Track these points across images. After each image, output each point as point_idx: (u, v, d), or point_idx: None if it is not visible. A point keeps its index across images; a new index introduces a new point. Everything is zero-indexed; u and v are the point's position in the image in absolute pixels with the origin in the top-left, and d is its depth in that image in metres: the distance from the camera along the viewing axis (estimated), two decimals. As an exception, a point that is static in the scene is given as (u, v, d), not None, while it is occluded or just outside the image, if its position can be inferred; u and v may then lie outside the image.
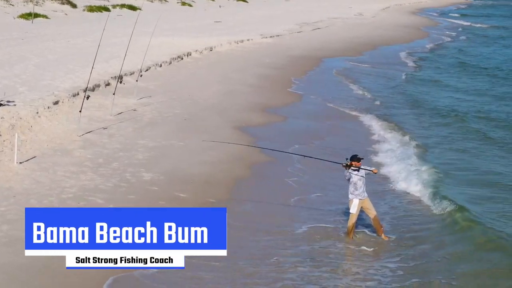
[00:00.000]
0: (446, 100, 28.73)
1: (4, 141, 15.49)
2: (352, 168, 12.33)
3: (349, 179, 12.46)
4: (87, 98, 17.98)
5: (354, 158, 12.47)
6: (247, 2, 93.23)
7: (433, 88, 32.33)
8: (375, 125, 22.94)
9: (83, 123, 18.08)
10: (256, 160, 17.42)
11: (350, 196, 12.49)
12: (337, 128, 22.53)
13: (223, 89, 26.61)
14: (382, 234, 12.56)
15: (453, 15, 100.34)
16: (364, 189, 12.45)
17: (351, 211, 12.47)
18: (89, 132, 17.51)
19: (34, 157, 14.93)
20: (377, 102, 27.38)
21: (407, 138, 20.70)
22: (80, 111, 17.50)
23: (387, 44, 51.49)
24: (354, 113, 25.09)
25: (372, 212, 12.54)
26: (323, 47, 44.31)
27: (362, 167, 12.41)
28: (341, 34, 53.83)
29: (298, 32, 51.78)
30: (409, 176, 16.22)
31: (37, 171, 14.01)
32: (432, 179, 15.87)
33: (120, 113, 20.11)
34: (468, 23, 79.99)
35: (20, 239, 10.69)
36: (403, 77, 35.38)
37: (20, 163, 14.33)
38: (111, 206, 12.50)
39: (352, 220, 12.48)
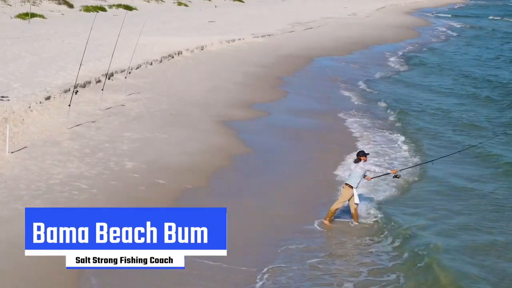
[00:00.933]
0: (423, 100, 29.77)
1: (-3, 133, 16.56)
2: (363, 161, 13.37)
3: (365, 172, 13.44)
4: (76, 93, 19.05)
5: (363, 153, 13.56)
6: (243, 2, 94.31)
7: (412, 88, 33.34)
8: (354, 123, 23.95)
9: (73, 117, 19.15)
10: (235, 152, 18.48)
11: (355, 185, 13.40)
12: (318, 125, 23.53)
13: (211, 86, 27.69)
14: (357, 220, 13.63)
15: (446, 15, 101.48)
16: None
17: (356, 201, 13.42)
18: (78, 125, 18.59)
19: (25, 147, 16.00)
20: (359, 101, 28.41)
21: (381, 137, 21.75)
22: (69, 105, 18.59)
23: (377, 43, 52.57)
24: (336, 110, 26.13)
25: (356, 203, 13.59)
26: (313, 47, 45.38)
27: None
28: (332, 34, 54.90)
29: (289, 32, 52.85)
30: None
31: (27, 159, 15.09)
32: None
33: (109, 108, 21.17)
34: (459, 24, 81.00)
35: (8, 219, 11.84)
36: (387, 75, 36.53)
37: (12, 152, 15.40)
38: (94, 190, 13.60)
39: (341, 204, 13.54)
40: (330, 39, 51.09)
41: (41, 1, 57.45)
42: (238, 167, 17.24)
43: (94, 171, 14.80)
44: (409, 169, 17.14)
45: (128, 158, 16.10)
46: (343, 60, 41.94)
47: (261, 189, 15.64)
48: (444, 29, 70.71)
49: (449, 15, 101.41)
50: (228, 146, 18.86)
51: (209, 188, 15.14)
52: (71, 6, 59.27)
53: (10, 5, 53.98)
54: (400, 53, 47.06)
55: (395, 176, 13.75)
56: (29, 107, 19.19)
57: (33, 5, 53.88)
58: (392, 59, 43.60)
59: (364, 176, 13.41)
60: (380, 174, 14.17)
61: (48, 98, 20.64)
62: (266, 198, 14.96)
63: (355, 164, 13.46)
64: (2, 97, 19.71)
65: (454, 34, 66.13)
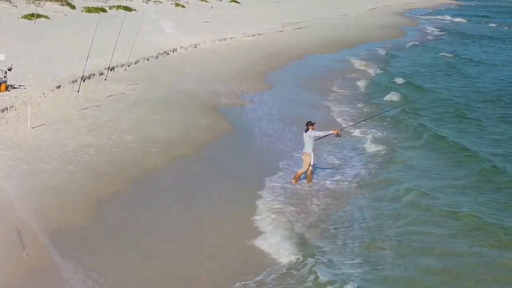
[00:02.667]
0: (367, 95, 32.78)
1: (18, 113, 19.90)
2: (311, 130, 16.63)
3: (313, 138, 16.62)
4: (84, 80, 22.32)
5: (310, 123, 16.84)
6: (239, 3, 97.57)
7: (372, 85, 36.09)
8: (326, 110, 27.25)
9: (81, 103, 22.43)
10: (222, 130, 21.76)
11: (311, 150, 16.61)
12: (296, 111, 26.77)
13: (202, 78, 30.98)
14: (311, 181, 16.89)
15: (437, 17, 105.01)
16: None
17: (311, 163, 16.64)
18: (85, 108, 21.88)
19: (43, 124, 19.30)
20: (331, 94, 31.72)
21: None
22: (78, 91, 21.89)
23: (364, 42, 55.90)
24: (312, 100, 29.43)
25: (311, 165, 16.81)
26: (299, 45, 48.66)
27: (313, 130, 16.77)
28: (319, 33, 58.26)
29: (279, 31, 56.18)
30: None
31: (45, 133, 18.39)
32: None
33: (111, 95, 24.45)
34: (434, 27, 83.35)
35: (35, 172, 15.13)
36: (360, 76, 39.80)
37: (32, 128, 18.70)
38: (100, 155, 16.93)
39: (307, 168, 16.69)
40: (318, 38, 54.40)
41: (44, 2, 60.74)
42: (224, 141, 20.54)
43: (100, 142, 18.13)
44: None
45: (127, 133, 19.42)
46: (328, 57, 45.19)
47: (241, 159, 18.95)
48: (426, 31, 74.25)
49: (434, 17, 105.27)
50: (216, 125, 22.17)
51: (196, 156, 18.45)
52: (73, 7, 62.55)
53: (16, 6, 57.26)
54: (377, 52, 50.35)
55: (337, 135, 17.08)
56: (43, 93, 22.49)
57: (38, 6, 57.12)
58: (357, 61, 45.21)
59: (315, 140, 16.71)
60: (325, 135, 17.37)
61: (58, 87, 23.93)
62: (244, 165, 18.27)
63: (305, 133, 16.75)
64: (20, 85, 22.98)
65: (430, 36, 69.63)
